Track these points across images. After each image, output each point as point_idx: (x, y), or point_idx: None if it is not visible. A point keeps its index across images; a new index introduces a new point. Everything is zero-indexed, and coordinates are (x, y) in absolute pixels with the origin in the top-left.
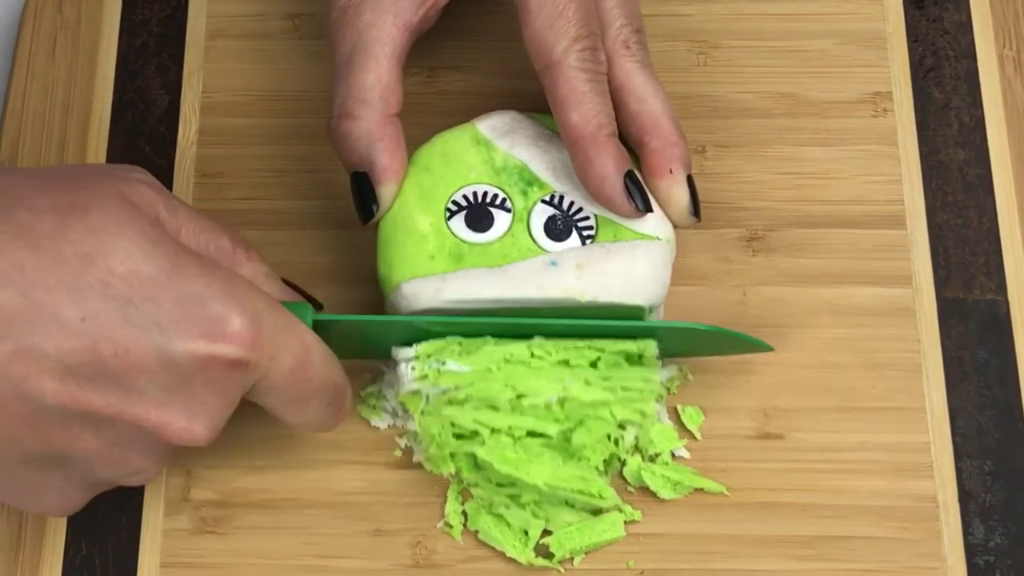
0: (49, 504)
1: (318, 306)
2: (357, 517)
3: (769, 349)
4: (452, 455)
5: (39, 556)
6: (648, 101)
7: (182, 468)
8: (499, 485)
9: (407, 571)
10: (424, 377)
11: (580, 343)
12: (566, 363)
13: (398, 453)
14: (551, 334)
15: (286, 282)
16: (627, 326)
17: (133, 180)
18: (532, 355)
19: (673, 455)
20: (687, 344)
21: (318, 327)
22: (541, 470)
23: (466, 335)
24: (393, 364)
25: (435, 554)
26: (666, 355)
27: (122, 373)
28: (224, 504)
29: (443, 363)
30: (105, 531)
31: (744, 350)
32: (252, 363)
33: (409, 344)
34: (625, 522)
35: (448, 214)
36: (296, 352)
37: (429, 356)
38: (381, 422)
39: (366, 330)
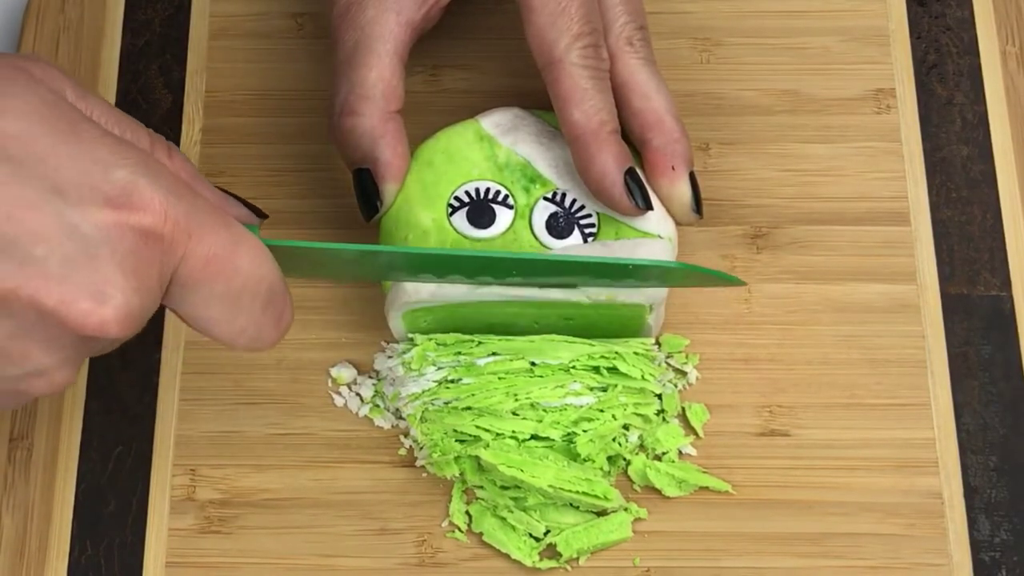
0: None
1: (263, 216)
2: (362, 516)
3: (742, 283)
4: (456, 458)
5: (44, 555)
6: (651, 98)
7: (186, 467)
8: (503, 487)
9: (412, 570)
10: (421, 394)
11: (581, 352)
12: (568, 370)
13: (402, 452)
14: (527, 273)
15: (225, 191)
16: (603, 262)
17: (37, 60)
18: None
19: (680, 453)
20: (661, 280)
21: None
22: (546, 472)
23: (436, 271)
24: (391, 366)
25: (440, 552)
26: (644, 284)
27: (17, 239)
28: (229, 503)
29: (447, 386)
30: (110, 530)
31: (717, 284)
32: (166, 238)
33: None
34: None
35: (450, 210)
36: (220, 236)
37: (428, 391)
38: (384, 421)
39: (323, 259)
